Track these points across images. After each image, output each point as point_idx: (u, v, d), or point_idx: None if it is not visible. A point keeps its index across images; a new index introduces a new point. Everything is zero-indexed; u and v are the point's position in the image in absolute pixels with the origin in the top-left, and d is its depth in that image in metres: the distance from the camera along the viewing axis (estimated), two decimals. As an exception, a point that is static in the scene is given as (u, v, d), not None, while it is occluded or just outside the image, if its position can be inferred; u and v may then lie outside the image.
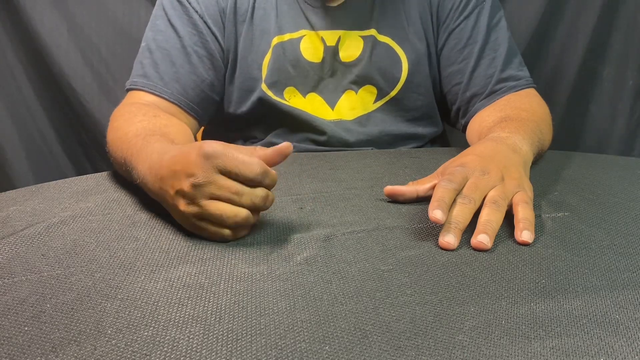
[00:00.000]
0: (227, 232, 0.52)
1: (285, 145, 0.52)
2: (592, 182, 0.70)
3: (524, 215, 0.54)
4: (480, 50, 0.87)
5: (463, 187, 0.55)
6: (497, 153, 0.62)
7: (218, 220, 0.50)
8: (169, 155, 0.54)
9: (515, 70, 0.87)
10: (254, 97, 0.88)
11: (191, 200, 0.50)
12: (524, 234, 0.52)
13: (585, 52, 1.30)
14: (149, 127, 0.70)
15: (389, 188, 0.62)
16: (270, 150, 0.52)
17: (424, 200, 0.62)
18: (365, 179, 0.70)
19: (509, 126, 0.71)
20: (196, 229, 0.52)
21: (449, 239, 0.51)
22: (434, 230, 0.55)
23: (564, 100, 1.34)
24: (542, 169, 0.75)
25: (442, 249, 0.51)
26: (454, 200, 0.54)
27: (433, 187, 0.60)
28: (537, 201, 0.62)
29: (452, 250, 0.51)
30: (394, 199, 0.63)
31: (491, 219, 0.53)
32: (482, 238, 0.51)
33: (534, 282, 0.45)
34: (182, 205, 0.51)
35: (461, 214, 0.53)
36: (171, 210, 0.55)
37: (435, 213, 0.51)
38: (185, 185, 0.50)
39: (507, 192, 0.56)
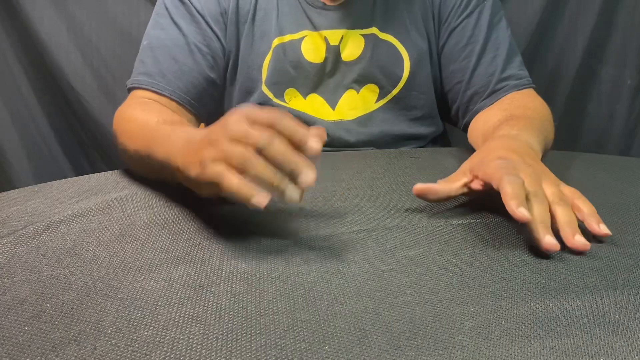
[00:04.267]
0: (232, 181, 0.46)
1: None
2: (591, 182, 0.70)
3: (589, 209, 0.54)
4: (481, 49, 0.87)
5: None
6: (521, 148, 0.61)
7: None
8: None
9: (516, 69, 0.87)
10: (254, 99, 0.88)
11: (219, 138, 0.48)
12: (602, 227, 0.52)
13: (584, 52, 1.31)
14: (170, 120, 0.70)
15: (420, 186, 0.59)
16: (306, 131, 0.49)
17: (424, 201, 0.62)
18: (365, 179, 0.70)
19: (517, 124, 0.71)
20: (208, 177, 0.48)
21: (551, 239, 0.49)
22: (434, 230, 0.55)
23: (562, 100, 1.34)
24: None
25: (547, 250, 0.49)
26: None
27: (464, 185, 0.59)
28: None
29: (558, 250, 0.49)
30: (423, 198, 0.60)
31: (571, 218, 0.52)
32: (581, 239, 0.50)
33: (533, 282, 0.45)
34: (207, 149, 0.49)
35: (545, 213, 0.51)
36: (191, 168, 0.51)
37: (522, 211, 0.49)
38: (219, 135, 0.48)
39: (558, 186, 0.55)
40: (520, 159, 0.57)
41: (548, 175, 0.57)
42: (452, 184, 0.59)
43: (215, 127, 0.50)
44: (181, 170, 0.54)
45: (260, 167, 0.46)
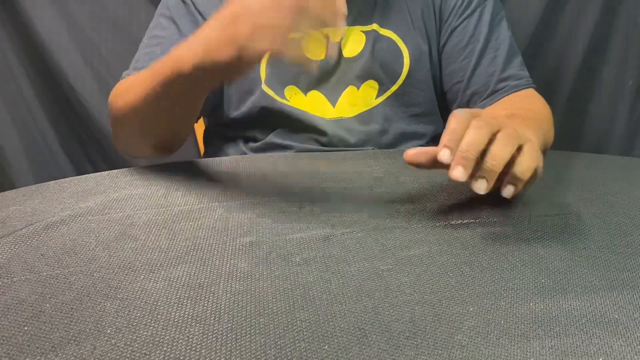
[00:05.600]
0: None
1: None
2: (591, 182, 0.70)
3: (521, 168, 0.53)
4: (481, 48, 0.87)
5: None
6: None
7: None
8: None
9: (516, 69, 0.87)
10: (254, 98, 0.88)
11: None
12: (507, 189, 0.52)
13: (585, 52, 1.30)
14: None
15: (411, 152, 0.56)
16: None
17: (424, 201, 0.62)
18: (365, 179, 0.70)
19: (515, 121, 0.71)
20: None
21: (459, 171, 0.49)
22: (433, 230, 0.55)
23: (563, 100, 1.34)
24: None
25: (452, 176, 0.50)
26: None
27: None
28: (537, 201, 0.62)
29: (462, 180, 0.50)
30: (417, 164, 0.56)
31: (525, 169, 0.52)
32: (508, 189, 0.51)
33: (533, 282, 0.45)
34: None
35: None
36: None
37: (444, 153, 0.50)
38: None
39: (520, 133, 0.54)
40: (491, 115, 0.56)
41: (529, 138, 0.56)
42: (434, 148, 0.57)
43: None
44: (206, 60, 0.54)
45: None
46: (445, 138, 0.51)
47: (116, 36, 1.26)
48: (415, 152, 0.56)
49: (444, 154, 0.50)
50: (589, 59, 1.31)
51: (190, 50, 0.57)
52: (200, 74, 0.56)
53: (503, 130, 0.52)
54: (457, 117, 0.52)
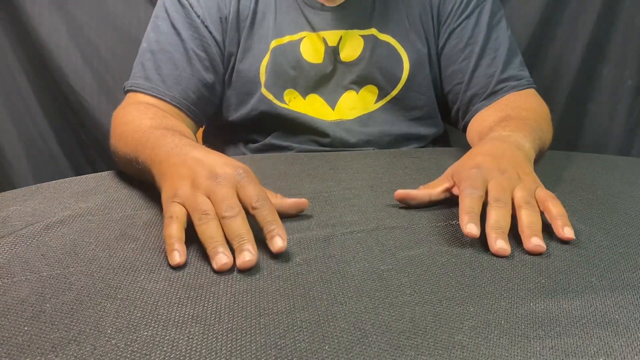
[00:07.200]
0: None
1: (303, 201, 0.58)
2: (591, 182, 0.70)
3: (558, 211, 0.54)
4: (481, 49, 0.87)
5: (488, 190, 0.54)
6: (505, 151, 0.62)
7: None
8: (199, 152, 0.57)
9: (516, 70, 0.87)
10: (253, 100, 0.88)
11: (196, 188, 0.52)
12: (566, 230, 0.52)
13: (585, 52, 1.30)
14: (164, 124, 0.71)
15: (401, 192, 0.61)
16: (289, 201, 0.57)
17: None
18: (365, 179, 0.70)
19: (509, 125, 0.71)
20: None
21: (502, 244, 0.50)
22: (433, 230, 0.55)
23: (563, 99, 1.34)
24: (541, 169, 0.74)
25: (497, 256, 0.49)
26: (488, 204, 0.53)
27: (445, 191, 0.61)
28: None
29: (508, 255, 0.49)
30: (405, 203, 0.61)
31: (533, 220, 0.52)
32: (536, 241, 0.50)
33: (533, 282, 0.45)
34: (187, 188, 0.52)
35: (502, 219, 0.52)
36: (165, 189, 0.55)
37: (470, 227, 0.50)
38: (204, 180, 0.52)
39: (531, 190, 0.56)
40: (496, 165, 0.57)
41: (525, 179, 0.57)
42: (432, 190, 0.61)
43: (207, 170, 0.53)
44: (156, 182, 0.58)
45: (209, 229, 0.49)
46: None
47: (116, 36, 1.26)
48: (402, 196, 0.61)
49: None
50: (588, 59, 1.31)
51: (156, 161, 0.60)
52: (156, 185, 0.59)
53: (491, 201, 0.53)
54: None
